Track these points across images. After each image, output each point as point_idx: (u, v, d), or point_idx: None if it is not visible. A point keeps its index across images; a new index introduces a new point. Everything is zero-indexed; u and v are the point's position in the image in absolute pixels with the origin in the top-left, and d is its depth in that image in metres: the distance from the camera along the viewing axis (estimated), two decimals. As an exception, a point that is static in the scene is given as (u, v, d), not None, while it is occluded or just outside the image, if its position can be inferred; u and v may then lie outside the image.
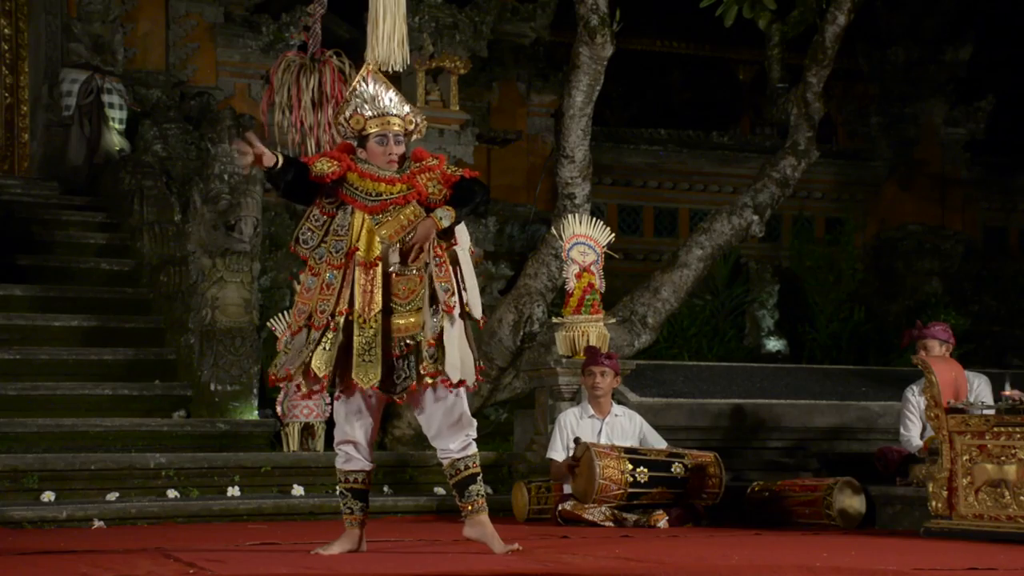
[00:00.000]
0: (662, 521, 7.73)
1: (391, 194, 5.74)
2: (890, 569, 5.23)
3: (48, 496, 8.35)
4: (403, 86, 13.21)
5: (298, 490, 8.90)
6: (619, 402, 8.57)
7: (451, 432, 5.83)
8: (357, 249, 5.68)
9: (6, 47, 14.17)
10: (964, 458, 6.72)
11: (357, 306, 5.63)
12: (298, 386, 5.97)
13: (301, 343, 5.73)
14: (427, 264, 5.71)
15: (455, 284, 5.79)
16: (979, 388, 7.96)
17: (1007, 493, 6.54)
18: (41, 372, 10.34)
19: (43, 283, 11.37)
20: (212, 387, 10.16)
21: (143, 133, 13.08)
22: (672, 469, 7.93)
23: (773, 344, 14.33)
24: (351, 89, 5.83)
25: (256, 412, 10.24)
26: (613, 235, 9.09)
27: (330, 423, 8.77)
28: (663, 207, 16.24)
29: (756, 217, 10.91)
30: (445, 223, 5.71)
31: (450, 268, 5.79)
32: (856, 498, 7.77)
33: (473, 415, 6.00)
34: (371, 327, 5.63)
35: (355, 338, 5.63)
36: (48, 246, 12.03)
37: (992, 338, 14.82)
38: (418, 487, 9.28)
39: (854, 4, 10.92)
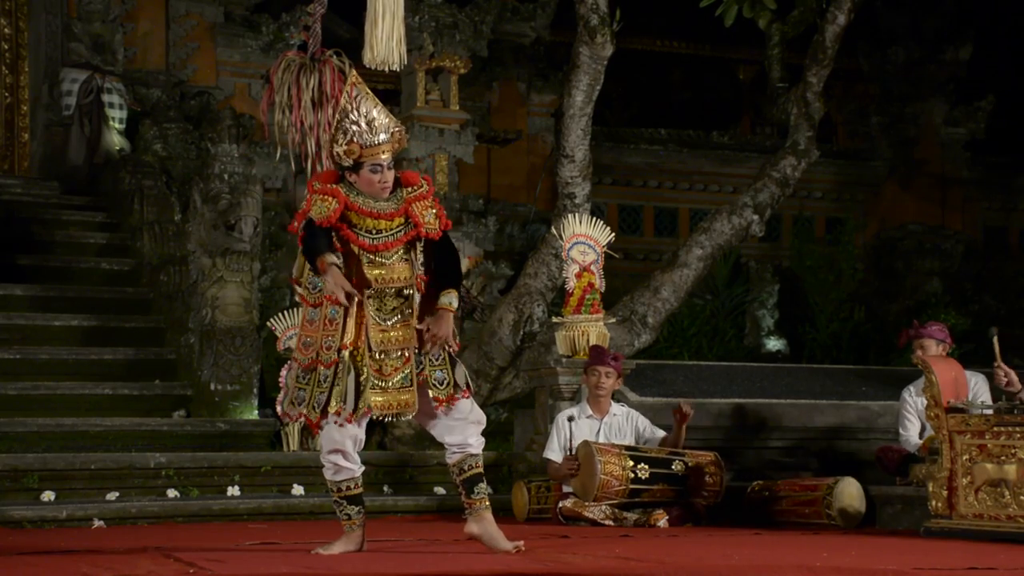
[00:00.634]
0: (662, 520, 7.73)
1: (390, 230, 5.76)
2: (890, 569, 5.22)
3: (48, 496, 8.35)
4: (403, 86, 13.23)
5: (298, 490, 8.90)
6: (617, 400, 8.57)
7: (472, 428, 5.85)
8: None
9: (6, 47, 14.18)
10: (964, 458, 6.71)
11: (360, 339, 5.69)
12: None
13: (315, 382, 5.75)
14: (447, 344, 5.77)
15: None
16: (978, 388, 7.95)
17: (1007, 493, 6.54)
18: (41, 372, 10.34)
19: (43, 283, 11.38)
20: (212, 387, 10.16)
21: (143, 133, 13.09)
22: (672, 467, 7.94)
23: (773, 344, 14.34)
24: (342, 111, 5.80)
25: (256, 412, 10.24)
26: (613, 235, 9.08)
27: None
28: (663, 207, 16.24)
29: (756, 217, 10.91)
30: (455, 305, 5.78)
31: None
32: (856, 498, 7.77)
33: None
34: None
35: (362, 368, 5.70)
36: (48, 246, 12.03)
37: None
38: (418, 487, 9.28)
39: (854, 4, 10.93)
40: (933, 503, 6.81)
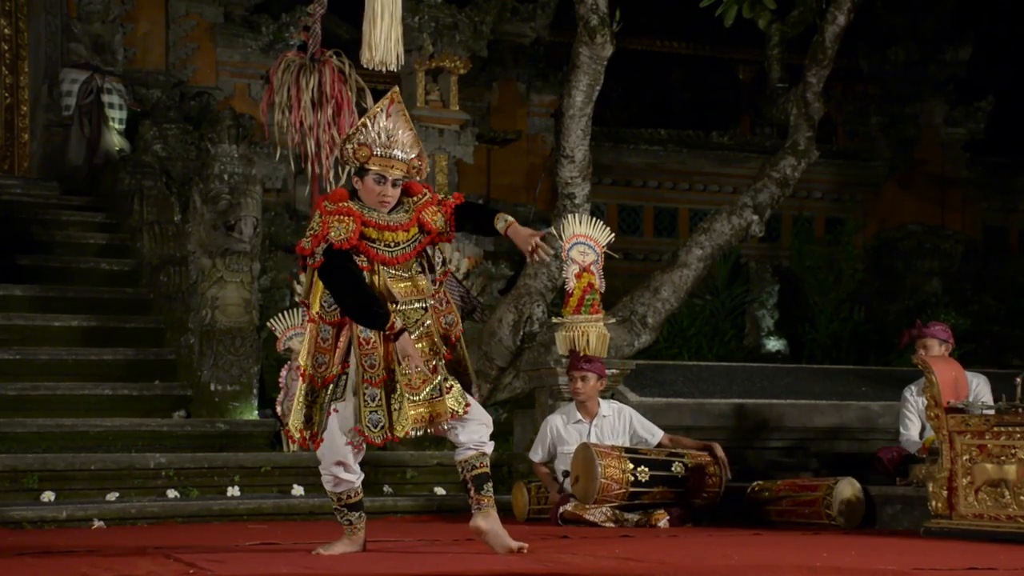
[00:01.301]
0: (662, 521, 7.74)
1: (407, 241, 5.73)
2: (890, 569, 5.23)
3: (48, 496, 8.35)
4: (403, 86, 13.23)
5: (298, 490, 8.90)
6: (610, 398, 8.56)
7: (484, 428, 5.86)
8: None
9: (6, 47, 14.18)
10: (964, 458, 6.71)
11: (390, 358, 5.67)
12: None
13: (321, 401, 5.75)
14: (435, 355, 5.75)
15: (456, 301, 5.87)
16: (978, 388, 7.96)
17: (1007, 493, 6.54)
18: (41, 372, 10.34)
19: (43, 283, 11.38)
20: (212, 387, 10.16)
21: (143, 133, 13.09)
22: (672, 468, 7.93)
23: (773, 344, 14.34)
24: (372, 115, 5.75)
25: (256, 412, 10.25)
26: (613, 235, 9.08)
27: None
28: (663, 207, 16.24)
29: (756, 217, 10.91)
30: (509, 218, 5.73)
31: (447, 293, 5.85)
32: (856, 498, 7.77)
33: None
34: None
35: (395, 384, 5.69)
36: (48, 246, 12.03)
37: (992, 338, 14.82)
38: (418, 487, 9.28)
39: (854, 4, 10.93)
40: (933, 503, 6.81)
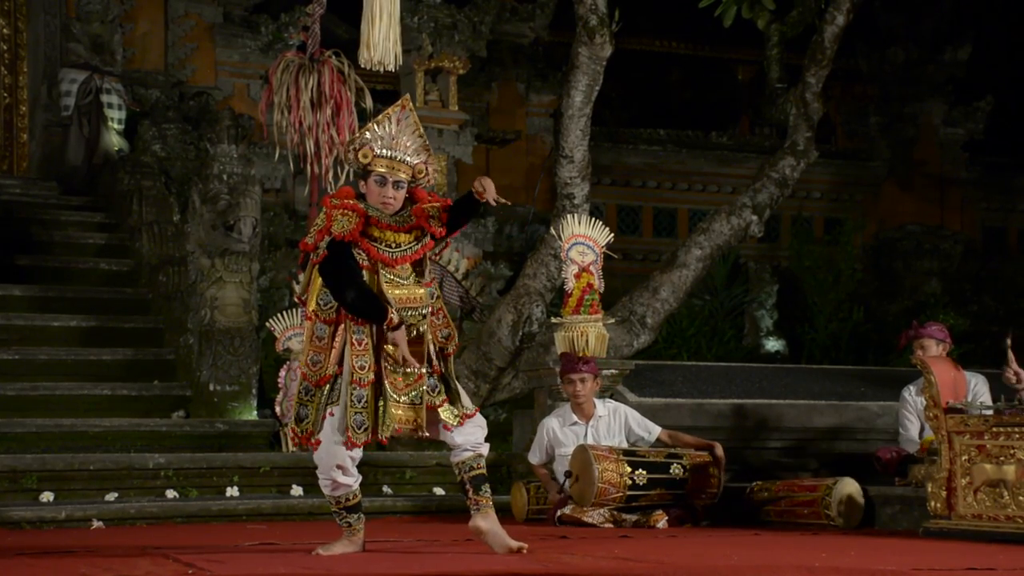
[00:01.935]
0: (661, 521, 7.73)
1: (408, 243, 5.75)
2: (889, 569, 5.23)
3: (47, 496, 8.34)
4: (402, 86, 13.23)
5: (297, 490, 8.90)
6: (607, 397, 8.55)
7: (480, 431, 5.87)
8: None
9: (5, 47, 14.18)
10: (963, 458, 6.72)
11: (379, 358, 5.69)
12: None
13: (323, 399, 5.75)
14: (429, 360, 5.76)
15: (455, 302, 5.87)
16: (977, 388, 7.96)
17: (1006, 493, 6.54)
18: (40, 372, 10.34)
19: (42, 283, 11.38)
20: (211, 387, 10.16)
21: (142, 133, 13.09)
22: (671, 470, 7.92)
23: (772, 344, 14.34)
24: (385, 117, 5.76)
25: (255, 412, 10.24)
26: (612, 235, 9.07)
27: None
28: (662, 207, 16.25)
29: (755, 217, 10.91)
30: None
31: (443, 308, 5.88)
32: (855, 498, 7.77)
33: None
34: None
35: (383, 385, 5.70)
36: (47, 246, 12.03)
37: (992, 338, 14.81)
38: (417, 487, 9.28)
39: (853, 4, 10.93)
40: (932, 504, 6.81)
